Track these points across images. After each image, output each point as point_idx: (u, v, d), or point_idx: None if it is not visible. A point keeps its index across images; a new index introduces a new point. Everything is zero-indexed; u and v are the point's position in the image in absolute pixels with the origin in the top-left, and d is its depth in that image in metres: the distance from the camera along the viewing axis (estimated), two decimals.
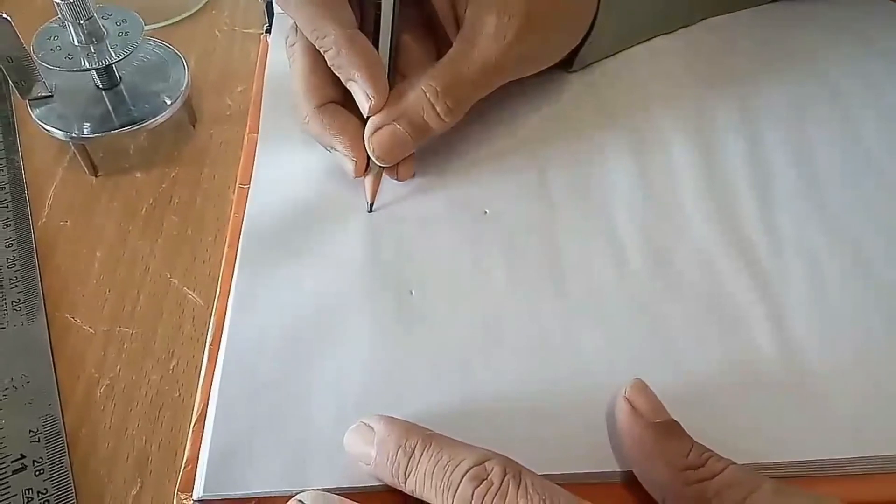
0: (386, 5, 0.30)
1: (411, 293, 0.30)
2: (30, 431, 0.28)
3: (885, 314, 0.29)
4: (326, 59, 0.30)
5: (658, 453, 0.24)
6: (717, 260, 0.31)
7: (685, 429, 0.25)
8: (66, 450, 0.28)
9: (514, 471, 0.22)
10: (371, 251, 0.32)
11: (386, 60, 0.31)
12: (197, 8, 0.46)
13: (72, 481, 0.27)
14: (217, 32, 0.45)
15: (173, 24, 0.45)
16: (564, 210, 0.33)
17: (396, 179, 0.33)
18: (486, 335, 0.29)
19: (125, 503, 0.27)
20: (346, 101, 0.32)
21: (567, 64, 0.37)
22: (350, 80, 0.30)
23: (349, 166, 0.31)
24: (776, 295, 0.30)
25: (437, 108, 0.30)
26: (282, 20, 0.43)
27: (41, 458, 0.27)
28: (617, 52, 0.39)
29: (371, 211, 0.32)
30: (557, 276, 0.31)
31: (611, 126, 0.36)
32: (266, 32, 0.43)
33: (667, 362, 0.28)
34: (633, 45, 0.40)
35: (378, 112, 0.30)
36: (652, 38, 0.40)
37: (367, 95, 0.30)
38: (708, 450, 0.24)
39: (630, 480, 0.26)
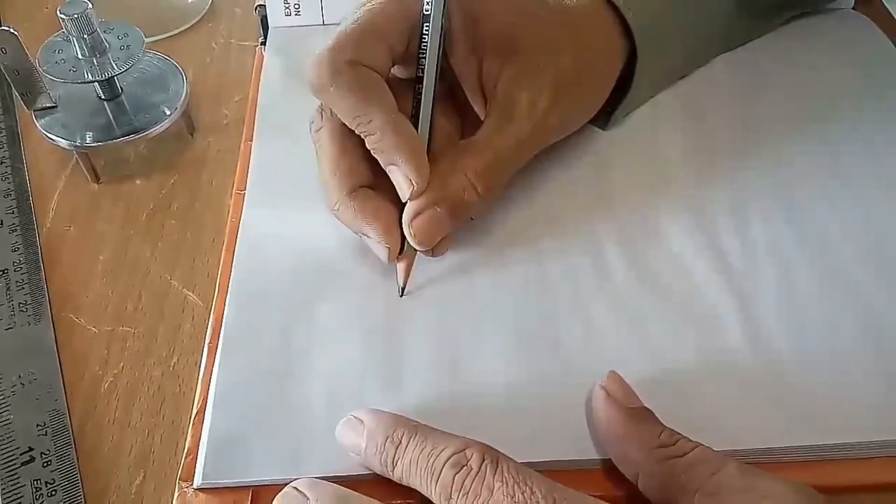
0: (427, 90, 0.30)
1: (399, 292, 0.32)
2: (37, 425, 0.29)
3: (850, 311, 0.31)
4: (368, 143, 0.29)
5: (632, 434, 0.25)
6: (692, 262, 0.33)
7: (660, 418, 0.26)
8: (73, 442, 0.29)
9: (492, 457, 0.23)
10: (361, 254, 0.33)
11: (424, 143, 0.30)
12: (194, 21, 0.48)
13: (78, 472, 0.28)
14: (214, 45, 0.46)
15: (172, 36, 0.47)
16: (547, 216, 0.35)
17: (431, 256, 0.32)
18: (473, 333, 0.31)
19: (129, 492, 0.28)
20: (374, 184, 0.31)
21: (601, 121, 0.37)
22: (392, 164, 0.29)
23: (382, 253, 0.30)
24: (747, 295, 0.32)
25: (478, 189, 0.30)
26: (276, 33, 0.44)
27: (49, 450, 0.29)
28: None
29: (402, 295, 0.32)
30: (541, 279, 0.32)
31: (592, 140, 0.38)
32: (261, 45, 0.44)
33: (643, 357, 0.30)
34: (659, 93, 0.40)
35: (419, 197, 0.30)
36: (677, 82, 0.40)
37: (410, 181, 0.29)
38: (678, 433, 0.25)
39: (607, 467, 0.27)
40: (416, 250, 0.31)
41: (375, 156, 0.29)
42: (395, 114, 0.29)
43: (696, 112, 0.39)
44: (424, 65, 0.30)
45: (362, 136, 0.29)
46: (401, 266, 0.31)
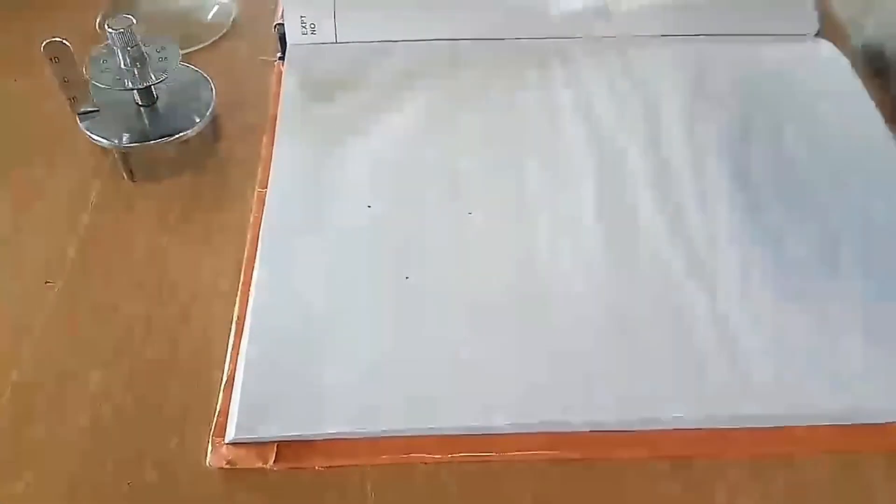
0: None
1: (407, 278, 0.36)
2: None
3: (799, 299, 0.36)
4: None
5: None
6: (667, 256, 0.37)
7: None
8: None
9: None
10: (373, 243, 0.37)
11: None
12: (218, 37, 0.52)
13: None
14: (236, 59, 0.51)
15: (198, 50, 0.51)
16: (539, 214, 0.39)
17: None
18: (471, 312, 0.35)
19: (169, 447, 0.32)
20: None
21: None
22: None
23: None
24: (714, 287, 0.36)
25: None
26: (294, 49, 0.49)
27: None
28: None
29: None
30: (531, 267, 0.37)
31: (584, 143, 0.42)
32: (279, 59, 0.49)
33: (622, 336, 0.34)
34: None
35: None
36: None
37: None
38: None
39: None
40: None
41: None
42: None
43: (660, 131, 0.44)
44: None
45: None
46: None
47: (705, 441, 0.31)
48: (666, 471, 0.31)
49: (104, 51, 0.40)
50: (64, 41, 0.38)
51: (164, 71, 0.40)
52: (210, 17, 0.55)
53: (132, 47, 0.39)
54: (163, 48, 0.41)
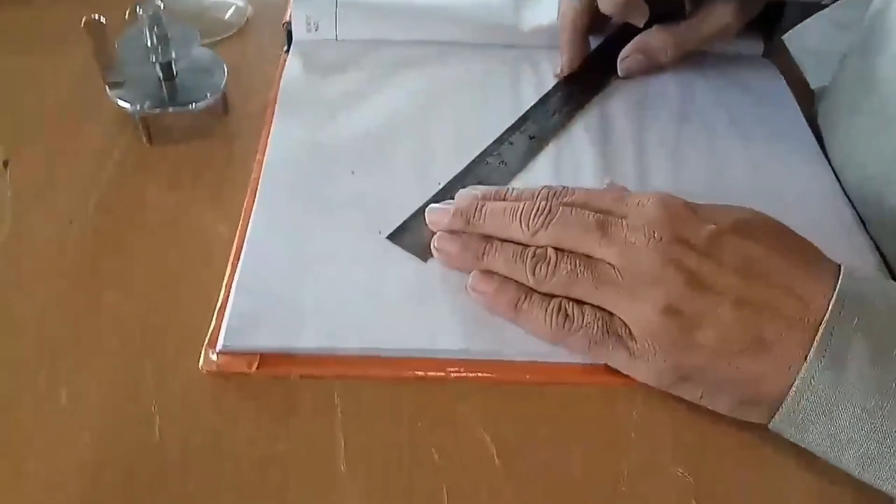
0: None
1: (380, 232, 0.42)
2: None
3: None
4: None
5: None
6: None
7: None
8: None
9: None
10: (355, 201, 0.44)
11: None
12: (233, 32, 0.59)
13: None
14: (248, 51, 0.57)
15: (215, 42, 0.57)
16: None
17: None
18: (429, 261, 0.41)
19: (168, 355, 0.38)
20: None
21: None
22: None
23: None
24: None
25: None
26: (298, 44, 0.55)
27: None
28: None
29: None
30: None
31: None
32: (285, 53, 0.56)
33: None
34: None
35: None
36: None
37: None
38: None
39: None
40: None
41: None
42: None
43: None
44: None
45: None
46: None
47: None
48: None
49: (134, 31, 0.47)
50: (101, 18, 0.45)
51: (184, 50, 0.47)
52: (227, 16, 0.62)
53: (158, 27, 0.46)
54: (184, 32, 0.48)
